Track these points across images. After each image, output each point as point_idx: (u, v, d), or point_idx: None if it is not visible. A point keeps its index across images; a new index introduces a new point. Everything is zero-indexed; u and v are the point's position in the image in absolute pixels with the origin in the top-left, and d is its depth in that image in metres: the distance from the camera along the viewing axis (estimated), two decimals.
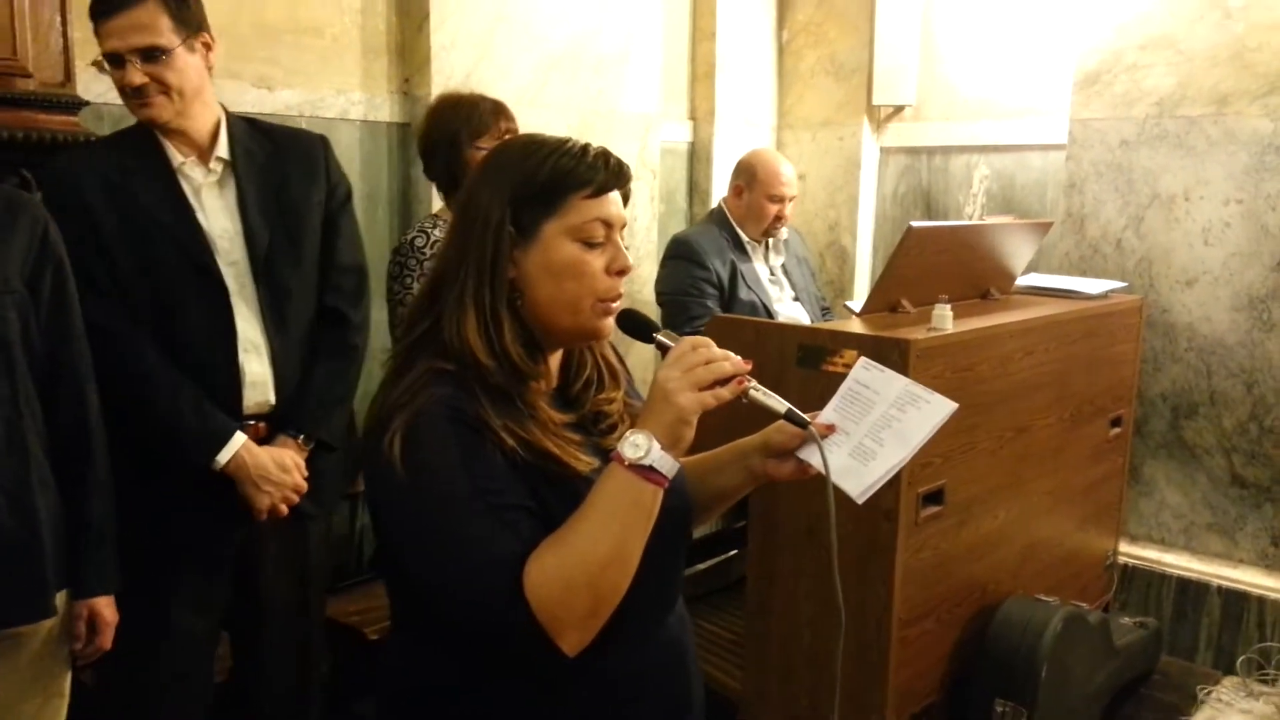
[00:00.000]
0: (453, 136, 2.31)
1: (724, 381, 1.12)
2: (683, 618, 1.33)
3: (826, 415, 1.28)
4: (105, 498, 1.69)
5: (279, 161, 1.98)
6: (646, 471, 1.08)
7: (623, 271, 1.20)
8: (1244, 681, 2.84)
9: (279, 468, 1.90)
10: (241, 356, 1.90)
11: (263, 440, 1.93)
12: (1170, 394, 3.19)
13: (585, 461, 1.17)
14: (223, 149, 1.92)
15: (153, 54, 1.78)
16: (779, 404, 1.20)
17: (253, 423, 1.93)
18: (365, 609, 2.60)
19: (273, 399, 1.94)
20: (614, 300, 1.20)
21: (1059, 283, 2.92)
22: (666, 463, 1.09)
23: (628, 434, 1.10)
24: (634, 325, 1.23)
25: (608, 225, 1.19)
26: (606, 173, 1.19)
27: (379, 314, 2.96)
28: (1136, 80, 3.15)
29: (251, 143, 1.97)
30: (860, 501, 1.23)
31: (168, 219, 1.85)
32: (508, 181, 1.18)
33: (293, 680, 2.11)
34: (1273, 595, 3.00)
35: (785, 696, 2.26)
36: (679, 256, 3.12)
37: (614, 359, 1.33)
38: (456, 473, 1.09)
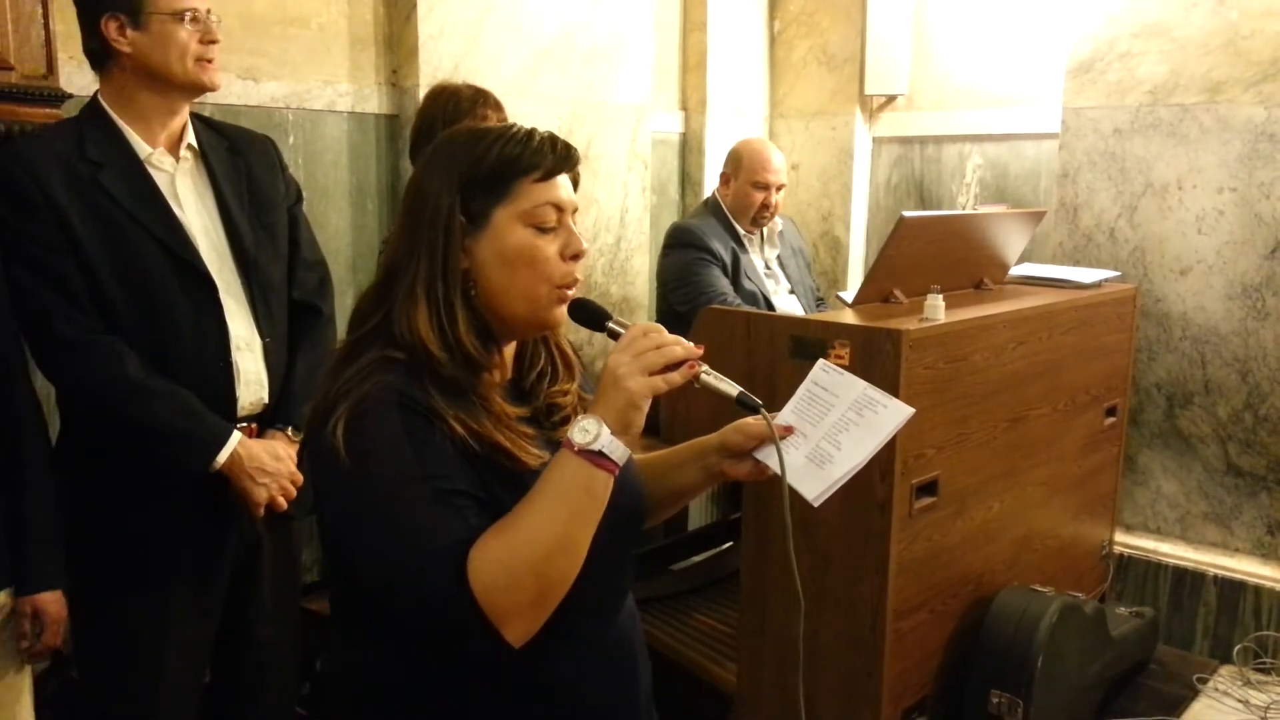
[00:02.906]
0: (449, 125, 2.29)
1: (675, 366, 1.11)
2: (633, 615, 1.31)
3: (785, 416, 1.27)
4: (43, 491, 1.65)
5: (238, 157, 1.95)
6: (596, 457, 1.06)
7: (577, 256, 1.18)
8: (1241, 670, 2.85)
9: (273, 457, 1.86)
10: (234, 354, 1.85)
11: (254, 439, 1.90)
12: (1165, 383, 3.18)
13: (535, 455, 1.14)
14: (191, 137, 1.88)
15: (209, 17, 1.81)
16: (730, 388, 1.18)
17: (245, 424, 1.88)
18: None
19: (267, 397, 1.91)
20: (570, 287, 1.18)
21: (1052, 272, 2.92)
22: (617, 449, 1.07)
23: (577, 419, 1.08)
24: (587, 314, 1.22)
25: (559, 209, 1.17)
26: (554, 156, 1.17)
27: None
28: (1129, 68, 3.13)
29: (210, 136, 1.93)
30: (816, 504, 1.22)
31: (145, 215, 1.78)
32: (455, 169, 1.15)
33: (282, 683, 2.08)
34: (1269, 584, 2.99)
35: (779, 689, 2.25)
36: (683, 244, 3.06)
37: (568, 350, 1.31)
38: (403, 457, 1.06)
